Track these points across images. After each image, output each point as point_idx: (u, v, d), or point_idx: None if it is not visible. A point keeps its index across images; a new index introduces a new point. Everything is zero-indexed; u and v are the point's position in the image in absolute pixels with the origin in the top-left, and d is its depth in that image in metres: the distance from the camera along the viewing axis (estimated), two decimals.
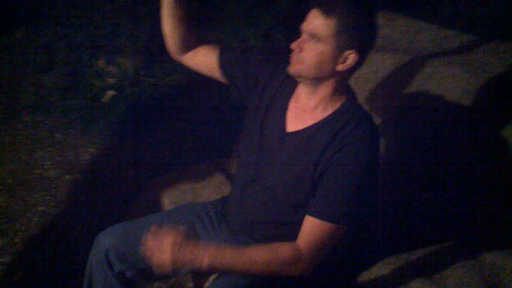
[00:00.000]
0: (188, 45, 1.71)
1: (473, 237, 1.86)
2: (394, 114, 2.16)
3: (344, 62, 1.50)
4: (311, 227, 1.48)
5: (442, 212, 1.92)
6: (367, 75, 2.35)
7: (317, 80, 1.53)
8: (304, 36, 1.51)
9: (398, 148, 2.07)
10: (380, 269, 1.74)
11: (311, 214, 1.49)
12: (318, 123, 1.55)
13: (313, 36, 1.48)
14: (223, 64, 1.70)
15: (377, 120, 2.13)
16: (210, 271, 1.51)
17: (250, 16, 3.90)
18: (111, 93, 3.67)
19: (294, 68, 1.53)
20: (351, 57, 1.49)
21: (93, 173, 2.88)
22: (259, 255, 1.47)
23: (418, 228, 1.90)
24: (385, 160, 1.95)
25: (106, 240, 1.65)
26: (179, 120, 3.16)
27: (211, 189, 2.19)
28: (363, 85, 2.29)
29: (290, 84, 1.62)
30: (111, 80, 3.75)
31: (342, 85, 1.56)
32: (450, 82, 2.09)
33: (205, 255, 1.44)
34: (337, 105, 1.55)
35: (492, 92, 1.98)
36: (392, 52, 2.39)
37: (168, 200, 2.23)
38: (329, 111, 1.55)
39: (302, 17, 1.55)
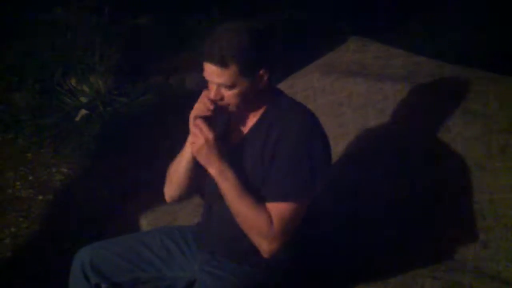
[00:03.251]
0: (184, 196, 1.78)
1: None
2: (366, 137, 2.22)
3: (261, 81, 1.57)
4: (273, 211, 1.54)
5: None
6: (341, 99, 2.41)
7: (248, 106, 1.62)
8: (214, 86, 1.56)
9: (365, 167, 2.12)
10: None
11: (269, 200, 1.55)
12: (252, 127, 1.64)
13: (224, 86, 1.55)
14: None
15: (351, 141, 2.20)
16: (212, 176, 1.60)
17: None
18: (83, 112, 3.64)
19: (226, 113, 1.61)
20: (265, 74, 1.57)
21: (67, 193, 2.86)
22: (249, 206, 1.55)
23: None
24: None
25: (82, 255, 1.74)
26: (154, 139, 3.17)
27: (188, 211, 2.19)
28: (337, 108, 2.35)
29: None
30: (83, 99, 3.72)
31: (266, 93, 1.63)
32: (421, 107, 2.16)
33: (216, 166, 1.57)
34: (264, 108, 1.64)
35: (462, 118, 2.05)
36: (365, 77, 2.45)
37: (146, 221, 2.23)
38: (258, 115, 1.63)
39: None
